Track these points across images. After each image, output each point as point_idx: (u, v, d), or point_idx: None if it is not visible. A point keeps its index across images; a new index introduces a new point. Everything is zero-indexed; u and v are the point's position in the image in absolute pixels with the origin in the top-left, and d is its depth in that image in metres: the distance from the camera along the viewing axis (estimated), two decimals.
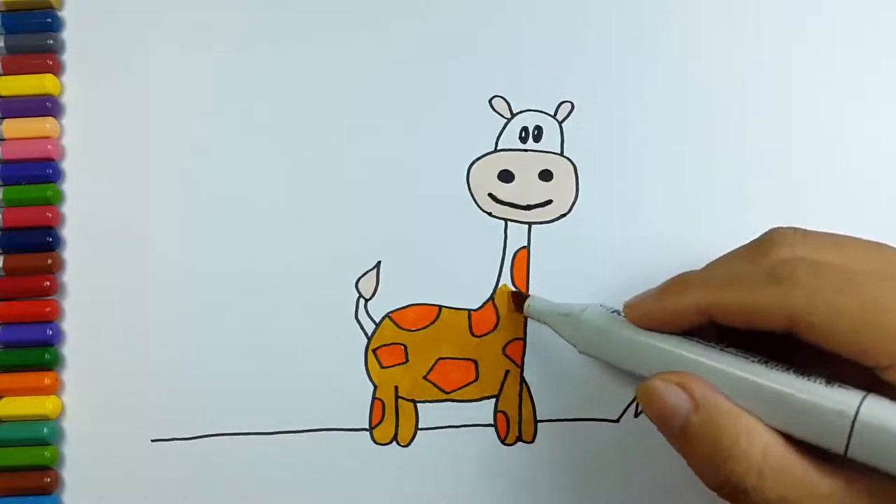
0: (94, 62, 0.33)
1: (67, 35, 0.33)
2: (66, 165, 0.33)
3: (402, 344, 0.31)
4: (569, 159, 0.32)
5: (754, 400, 0.23)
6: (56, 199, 0.32)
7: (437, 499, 0.31)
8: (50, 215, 0.32)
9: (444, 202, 0.32)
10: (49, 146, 0.32)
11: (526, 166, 0.32)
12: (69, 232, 0.32)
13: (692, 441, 0.24)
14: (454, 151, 0.32)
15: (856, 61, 0.32)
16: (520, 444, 0.31)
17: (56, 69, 0.33)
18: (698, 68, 0.32)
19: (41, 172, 0.32)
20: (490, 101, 0.32)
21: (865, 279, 0.23)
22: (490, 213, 0.32)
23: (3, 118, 0.33)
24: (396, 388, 0.31)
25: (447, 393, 0.31)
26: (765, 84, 0.32)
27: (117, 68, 0.33)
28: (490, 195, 0.32)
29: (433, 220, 0.32)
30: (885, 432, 0.21)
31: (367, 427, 0.31)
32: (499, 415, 0.31)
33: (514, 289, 0.31)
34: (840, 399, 0.22)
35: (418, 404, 0.31)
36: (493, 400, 0.31)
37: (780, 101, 0.32)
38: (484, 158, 0.32)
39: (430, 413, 0.31)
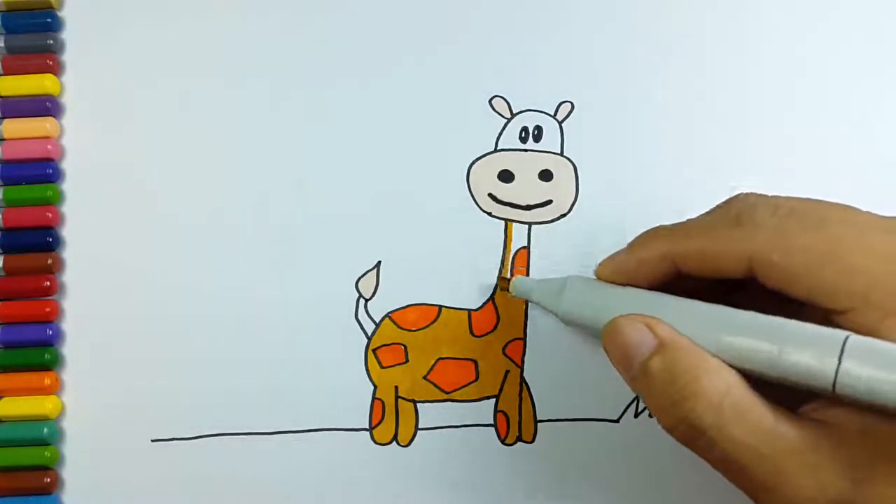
0: (94, 62, 0.33)
1: (67, 35, 0.33)
2: (66, 165, 0.33)
3: (402, 344, 0.31)
4: (569, 159, 0.32)
5: (722, 341, 0.23)
6: (56, 199, 0.32)
7: (437, 499, 0.31)
8: (50, 215, 0.32)
9: (444, 202, 0.32)
10: (49, 146, 0.32)
11: (526, 166, 0.32)
12: (69, 232, 0.32)
13: (652, 378, 0.23)
14: (454, 151, 0.32)
15: (856, 61, 0.32)
16: (520, 444, 0.31)
17: (56, 69, 0.33)
18: (699, 68, 0.32)
19: (41, 172, 0.32)
20: (490, 101, 0.32)
21: (829, 221, 0.23)
22: (490, 213, 0.32)
23: (3, 118, 0.33)
24: (396, 388, 0.31)
25: (447, 393, 0.31)
26: (766, 83, 0.32)
27: (117, 68, 0.33)
28: (490, 195, 0.32)
29: (433, 220, 0.32)
30: (878, 355, 0.21)
31: (367, 427, 0.31)
32: (499, 415, 0.31)
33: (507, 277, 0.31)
34: (826, 332, 0.22)
35: (418, 404, 0.31)
36: (493, 400, 0.31)
37: (782, 100, 0.32)
38: (484, 158, 0.32)
39: (430, 413, 0.31)
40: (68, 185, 0.33)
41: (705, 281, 0.25)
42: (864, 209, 0.24)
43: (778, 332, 0.22)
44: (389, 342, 0.31)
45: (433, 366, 0.31)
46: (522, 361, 0.31)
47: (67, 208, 0.32)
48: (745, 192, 0.25)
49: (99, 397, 0.31)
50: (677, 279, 0.26)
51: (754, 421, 0.22)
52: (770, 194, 0.25)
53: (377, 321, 0.31)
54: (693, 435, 0.23)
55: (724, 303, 0.24)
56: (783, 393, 0.23)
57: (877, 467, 0.21)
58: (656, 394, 0.23)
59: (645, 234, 0.27)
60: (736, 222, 0.24)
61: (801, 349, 0.22)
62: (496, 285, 0.31)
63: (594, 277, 0.28)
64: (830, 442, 0.22)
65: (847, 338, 0.21)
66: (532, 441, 0.31)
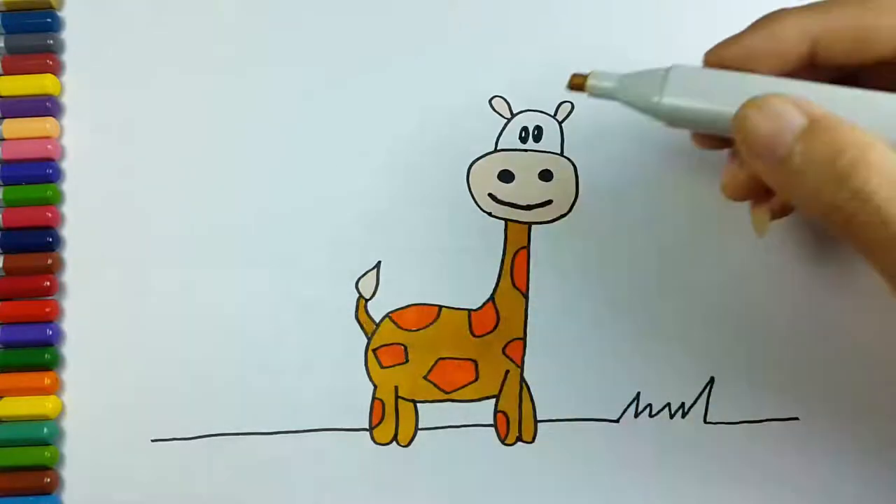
0: (94, 62, 0.33)
1: (67, 35, 0.33)
2: (66, 165, 0.33)
3: (402, 344, 0.31)
4: (569, 159, 0.32)
5: (877, 123, 0.21)
6: (56, 199, 0.32)
7: (437, 499, 0.31)
8: (50, 215, 0.32)
9: (444, 202, 0.32)
10: (49, 146, 0.32)
11: (526, 166, 0.32)
12: (69, 232, 0.32)
13: (809, 156, 0.21)
14: (454, 151, 0.32)
15: None
16: (520, 444, 0.31)
17: (56, 69, 0.33)
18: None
19: (41, 172, 0.32)
20: (490, 101, 0.32)
21: None
22: (490, 213, 0.32)
23: (3, 118, 0.33)
24: (396, 388, 0.31)
25: (447, 393, 0.31)
26: None
27: (117, 68, 0.33)
28: (490, 195, 0.32)
29: (433, 220, 0.32)
30: None
31: (367, 427, 0.31)
32: (499, 415, 0.31)
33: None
34: None
35: (418, 404, 0.31)
36: (493, 400, 0.31)
37: None
38: (484, 158, 0.32)
39: (430, 413, 0.31)
40: (68, 185, 0.33)
41: (837, 76, 0.22)
42: None
43: None
44: (389, 342, 0.31)
45: (433, 366, 0.31)
46: (522, 361, 0.31)
47: (67, 208, 0.32)
48: None
49: (99, 397, 0.31)
50: (804, 72, 0.23)
51: None
52: None
53: (377, 321, 0.31)
54: (858, 212, 0.20)
55: None
56: None
57: None
58: (813, 173, 0.21)
59: (767, 16, 0.23)
60: None
61: None
62: (496, 285, 0.31)
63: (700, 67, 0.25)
64: None
65: None
66: (532, 441, 0.31)
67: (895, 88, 0.22)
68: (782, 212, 0.28)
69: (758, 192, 0.26)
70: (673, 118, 0.24)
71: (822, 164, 0.21)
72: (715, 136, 0.27)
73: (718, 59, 0.24)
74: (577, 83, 0.26)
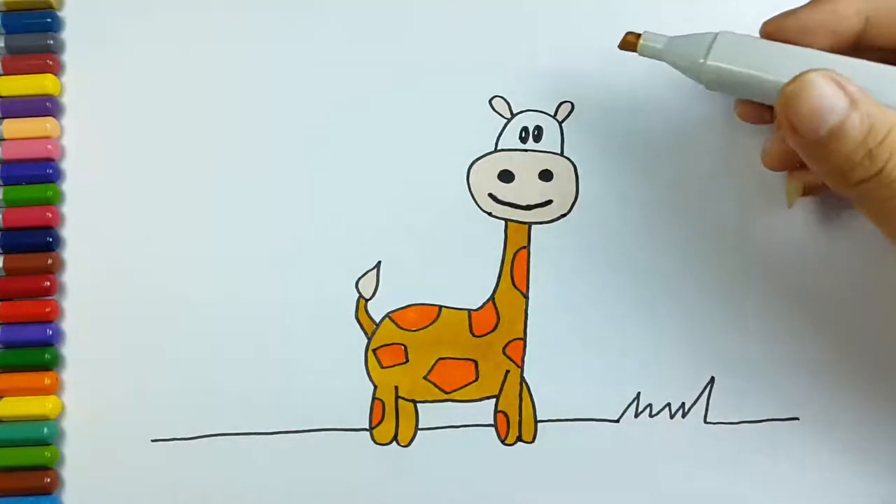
0: (94, 62, 0.33)
1: (67, 35, 0.33)
2: (66, 165, 0.33)
3: (402, 344, 0.31)
4: (569, 159, 0.32)
5: None
6: (56, 199, 0.32)
7: (437, 499, 0.31)
8: (50, 215, 0.32)
9: (444, 202, 0.32)
10: (49, 146, 0.32)
11: (526, 166, 0.32)
12: (69, 232, 0.32)
13: (846, 134, 0.22)
14: (454, 151, 0.32)
15: None
16: (520, 444, 0.31)
17: (56, 69, 0.33)
18: None
19: (41, 172, 0.32)
20: (490, 101, 0.32)
21: None
22: (490, 213, 0.32)
23: (3, 118, 0.33)
24: (396, 388, 0.31)
25: (447, 393, 0.31)
26: None
27: (117, 68, 0.33)
28: (490, 195, 0.32)
29: (433, 220, 0.32)
30: None
31: (367, 427, 0.31)
32: (499, 415, 0.31)
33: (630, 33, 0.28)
34: None
35: (418, 404, 0.31)
36: (493, 400, 0.31)
37: None
38: (484, 158, 0.32)
39: (430, 413, 0.31)
40: (68, 185, 0.33)
41: (881, 58, 0.24)
42: None
43: None
44: (389, 342, 0.31)
45: (433, 366, 0.31)
46: (522, 361, 0.31)
47: (67, 208, 0.32)
48: None
49: (99, 397, 0.31)
50: (858, 50, 0.24)
51: None
52: None
53: (377, 321, 0.31)
54: (886, 195, 0.22)
55: None
56: None
57: None
58: (847, 149, 0.22)
59: None
60: None
61: None
62: (496, 285, 0.31)
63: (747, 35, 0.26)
64: None
65: None
66: (532, 441, 0.31)
67: None
68: (814, 189, 0.29)
69: (794, 164, 0.28)
70: (715, 81, 0.25)
71: (854, 144, 0.22)
72: (757, 108, 0.28)
73: (775, 29, 0.25)
74: (630, 41, 0.27)
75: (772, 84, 0.24)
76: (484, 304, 0.31)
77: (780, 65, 0.24)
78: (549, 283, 0.31)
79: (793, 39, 0.25)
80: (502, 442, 0.31)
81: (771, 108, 0.26)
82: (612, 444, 0.31)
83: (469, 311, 0.31)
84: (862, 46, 0.25)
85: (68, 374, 0.32)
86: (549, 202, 0.32)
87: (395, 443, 0.31)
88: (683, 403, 0.31)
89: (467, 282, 0.31)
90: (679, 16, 0.32)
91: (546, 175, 0.32)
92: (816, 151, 0.23)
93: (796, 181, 0.29)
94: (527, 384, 0.31)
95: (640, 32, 0.28)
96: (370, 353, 0.31)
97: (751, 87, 0.25)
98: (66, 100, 0.33)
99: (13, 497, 0.31)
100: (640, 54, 0.28)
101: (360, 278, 0.32)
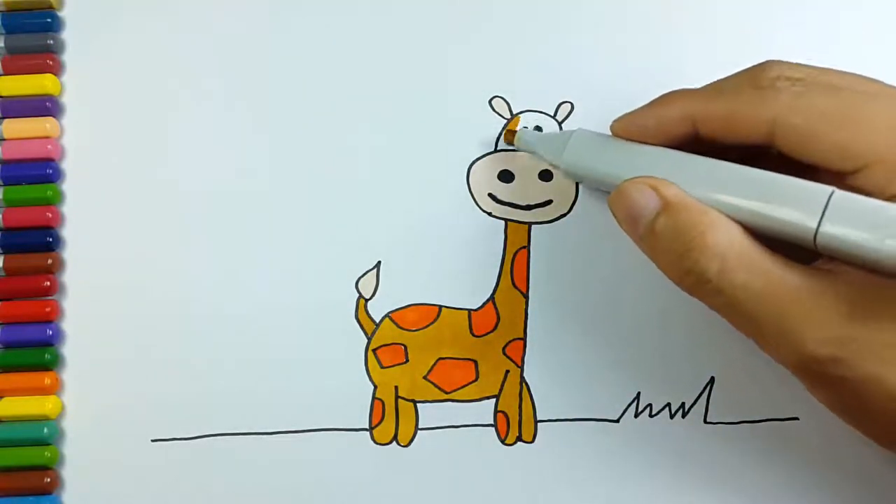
0: (94, 62, 0.33)
1: (67, 35, 0.33)
2: (66, 165, 0.33)
3: (402, 344, 0.31)
4: None
5: (724, 192, 0.24)
6: (56, 199, 0.32)
7: (437, 499, 0.31)
8: (50, 215, 0.32)
9: (444, 202, 0.32)
10: (49, 146, 0.32)
11: (526, 166, 0.32)
12: (69, 232, 0.32)
13: (658, 236, 0.25)
14: (454, 151, 0.32)
15: None
16: (520, 444, 0.31)
17: (56, 69, 0.33)
18: (699, 67, 0.32)
19: (41, 172, 0.32)
20: (490, 101, 0.32)
21: (852, 91, 0.23)
22: (490, 213, 0.32)
23: (3, 118, 0.33)
24: (396, 388, 0.31)
25: (447, 393, 0.31)
26: None
27: (117, 68, 0.33)
28: (490, 195, 0.32)
29: (433, 220, 0.32)
30: (857, 214, 0.22)
31: (367, 427, 0.31)
32: (499, 415, 0.31)
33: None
34: (813, 187, 0.23)
35: (418, 404, 0.31)
36: (493, 400, 0.31)
37: None
38: (484, 158, 0.32)
39: (430, 413, 0.31)
40: (68, 185, 0.33)
41: (721, 149, 0.25)
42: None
43: (769, 185, 0.23)
44: (389, 342, 0.31)
45: (433, 366, 0.31)
46: (522, 361, 0.31)
47: (67, 208, 0.32)
48: (771, 59, 0.26)
49: (99, 397, 0.31)
50: (693, 144, 0.26)
51: (757, 266, 0.23)
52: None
53: (377, 321, 0.31)
54: (699, 284, 0.24)
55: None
56: (799, 252, 0.24)
57: (876, 309, 0.22)
58: (663, 250, 0.25)
59: (666, 94, 0.27)
60: (759, 87, 0.24)
61: (787, 203, 0.23)
62: (496, 285, 0.31)
63: (606, 133, 0.28)
64: (834, 287, 0.22)
65: (832, 193, 0.22)
66: (532, 441, 0.31)
67: (778, 166, 0.24)
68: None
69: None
70: (572, 175, 0.29)
71: (667, 244, 0.25)
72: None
73: (621, 128, 0.28)
74: (508, 139, 0.31)
75: (615, 180, 0.27)
76: (484, 303, 0.31)
77: (624, 162, 0.27)
78: (549, 283, 0.31)
79: (637, 138, 0.27)
80: (502, 442, 0.31)
81: None
82: (612, 444, 0.31)
83: (469, 311, 0.31)
84: (702, 141, 0.26)
85: (68, 374, 0.32)
86: (549, 202, 0.32)
87: (395, 443, 0.31)
88: (683, 403, 0.31)
89: (467, 282, 0.31)
90: (679, 16, 0.33)
91: (546, 175, 0.32)
92: (643, 247, 0.26)
93: None
94: (527, 384, 0.31)
95: (517, 130, 0.31)
96: (370, 353, 0.31)
97: (599, 181, 0.28)
98: (66, 100, 0.33)
99: (13, 497, 0.31)
100: (518, 148, 0.31)
101: (360, 278, 0.32)
